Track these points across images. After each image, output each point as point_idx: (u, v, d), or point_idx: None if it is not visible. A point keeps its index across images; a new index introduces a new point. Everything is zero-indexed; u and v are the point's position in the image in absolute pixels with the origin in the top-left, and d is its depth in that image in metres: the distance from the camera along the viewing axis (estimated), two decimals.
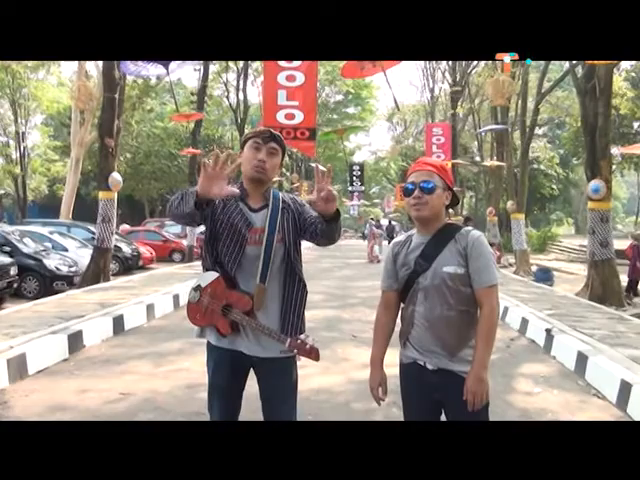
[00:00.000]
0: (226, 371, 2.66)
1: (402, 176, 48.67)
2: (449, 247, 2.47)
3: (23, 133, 34.25)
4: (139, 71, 9.81)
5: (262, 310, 2.59)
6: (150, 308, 8.97)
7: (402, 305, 2.67)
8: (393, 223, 43.98)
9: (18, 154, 33.65)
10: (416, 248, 2.55)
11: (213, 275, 2.63)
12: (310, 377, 5.58)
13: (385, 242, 30.83)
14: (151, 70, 9.59)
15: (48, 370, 5.88)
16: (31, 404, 4.85)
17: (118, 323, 7.81)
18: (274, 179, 2.95)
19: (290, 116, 9.17)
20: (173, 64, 9.28)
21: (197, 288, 2.67)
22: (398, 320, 2.68)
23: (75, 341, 6.63)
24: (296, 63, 9.07)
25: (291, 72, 9.15)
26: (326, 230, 2.56)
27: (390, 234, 37.07)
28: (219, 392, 2.71)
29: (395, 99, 19.28)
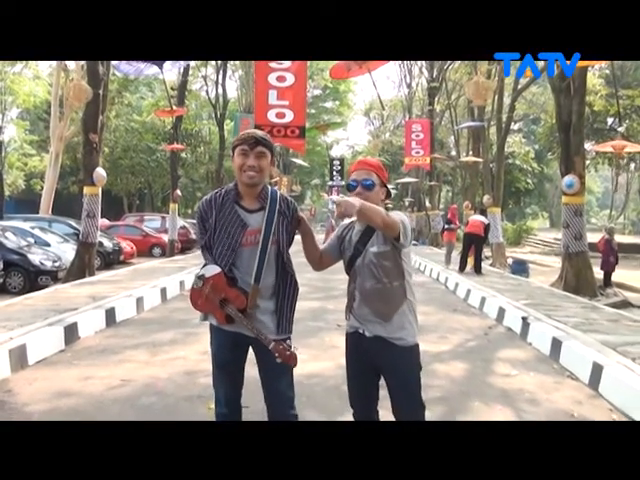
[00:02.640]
0: (229, 350, 2.95)
1: None
2: (378, 232, 2.86)
3: (0, 127, 33.89)
4: (133, 70, 9.93)
5: (259, 306, 2.86)
6: (139, 301, 9.17)
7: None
8: None
9: None
10: (356, 235, 2.99)
11: (215, 269, 2.86)
12: (302, 363, 5.78)
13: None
14: (144, 69, 9.71)
15: (47, 360, 6.07)
16: (36, 391, 5.06)
17: (110, 315, 8.00)
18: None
19: (281, 115, 9.58)
20: (167, 63, 9.45)
21: (201, 277, 2.90)
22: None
23: (70, 333, 6.82)
24: (286, 64, 9.47)
25: (281, 73, 9.58)
26: None
27: None
28: (223, 368, 3.00)
29: (380, 99, 19.65)
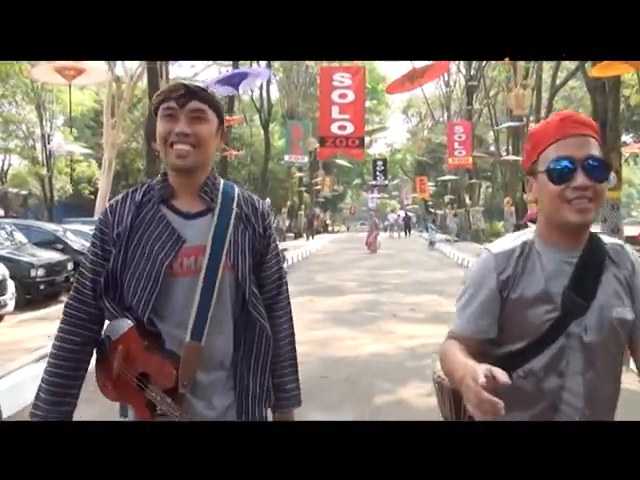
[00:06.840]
0: None
1: (417, 168, 49.72)
2: (609, 274, 1.51)
3: (49, 135, 35.67)
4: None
5: (202, 382, 1.63)
6: None
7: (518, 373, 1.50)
8: (409, 214, 45.91)
9: (44, 155, 35.09)
10: (557, 273, 1.49)
11: (125, 324, 1.63)
12: (364, 345, 6.76)
13: (394, 234, 33.36)
14: (221, 90, 10.70)
15: None
16: None
17: None
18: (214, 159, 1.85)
19: (342, 127, 10.98)
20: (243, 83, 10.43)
21: (104, 341, 1.70)
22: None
23: None
24: (347, 82, 10.98)
25: (343, 90, 11.07)
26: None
27: (407, 225, 39.79)
28: None
29: (431, 110, 19.85)
